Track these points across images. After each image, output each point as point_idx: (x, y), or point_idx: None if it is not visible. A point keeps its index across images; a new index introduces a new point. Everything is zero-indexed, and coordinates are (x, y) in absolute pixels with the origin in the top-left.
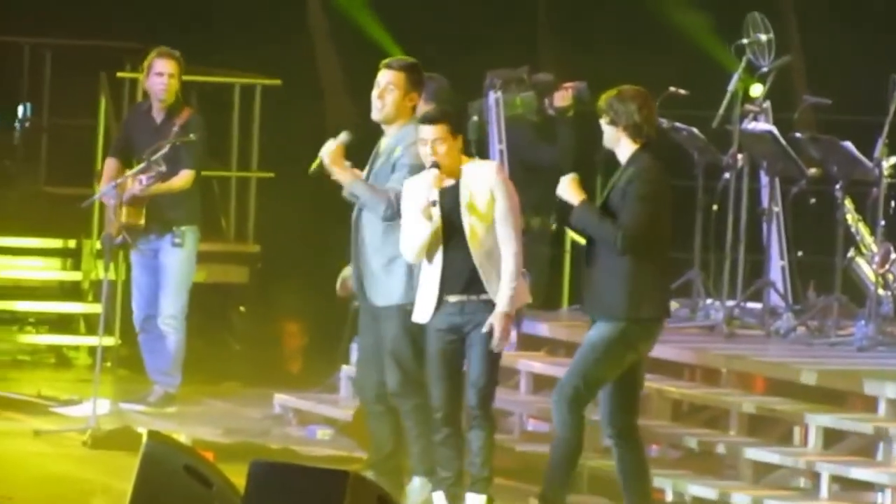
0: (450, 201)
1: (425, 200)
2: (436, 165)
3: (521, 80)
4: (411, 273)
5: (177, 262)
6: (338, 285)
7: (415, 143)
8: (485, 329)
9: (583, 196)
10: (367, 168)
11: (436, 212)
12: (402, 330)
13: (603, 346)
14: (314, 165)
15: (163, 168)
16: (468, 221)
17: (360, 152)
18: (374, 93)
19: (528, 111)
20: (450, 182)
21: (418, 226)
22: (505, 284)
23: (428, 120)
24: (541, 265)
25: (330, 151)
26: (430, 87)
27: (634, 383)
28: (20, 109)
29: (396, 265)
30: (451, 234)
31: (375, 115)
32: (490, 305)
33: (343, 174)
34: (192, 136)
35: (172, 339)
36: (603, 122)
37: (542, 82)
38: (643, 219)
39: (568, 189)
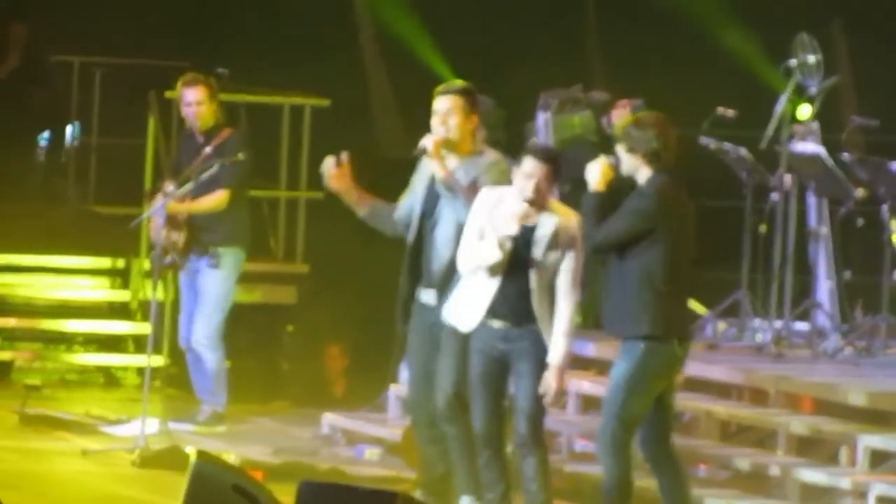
0: (524, 238)
1: (503, 233)
2: (531, 202)
3: (576, 99)
4: None
5: (212, 284)
6: (328, 168)
7: (493, 166)
8: (541, 391)
9: (601, 188)
10: (424, 198)
11: (507, 245)
12: (462, 352)
13: (626, 382)
14: (417, 149)
15: (188, 189)
16: (535, 266)
17: (404, 172)
18: (435, 120)
19: (586, 131)
20: (532, 220)
21: (485, 248)
22: (559, 339)
23: (540, 157)
24: (595, 285)
25: (436, 140)
26: None
27: (663, 408)
28: (69, 128)
29: None
30: (513, 265)
31: (431, 142)
32: (533, 333)
33: (443, 164)
34: (240, 155)
35: (209, 358)
36: (620, 149)
37: (598, 101)
38: (618, 230)
39: (596, 172)
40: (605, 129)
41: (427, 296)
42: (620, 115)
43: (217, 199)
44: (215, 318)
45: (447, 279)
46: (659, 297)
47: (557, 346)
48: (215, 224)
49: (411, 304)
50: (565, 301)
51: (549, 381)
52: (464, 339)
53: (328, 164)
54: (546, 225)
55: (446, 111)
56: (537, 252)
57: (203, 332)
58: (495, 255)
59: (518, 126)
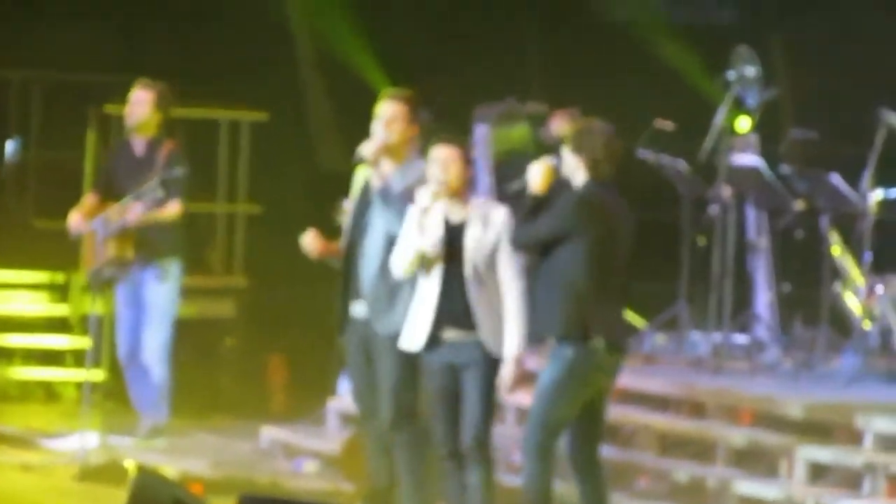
0: (455, 235)
1: (419, 210)
2: (444, 184)
3: (512, 112)
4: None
5: (160, 295)
6: (308, 245)
7: (421, 180)
8: (498, 382)
9: (541, 190)
10: (355, 208)
11: (433, 236)
12: (400, 361)
13: (554, 388)
14: (355, 157)
15: (160, 195)
16: (471, 259)
17: (340, 186)
18: (378, 124)
19: (523, 143)
20: (458, 215)
21: (411, 241)
22: (514, 328)
23: (445, 141)
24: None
25: (375, 148)
26: None
27: (593, 415)
28: (9, 143)
29: (401, 293)
30: (451, 267)
31: (373, 147)
32: (477, 340)
33: (380, 172)
34: (177, 170)
35: (158, 371)
36: (566, 149)
37: (535, 113)
38: (538, 230)
39: (537, 174)
40: (543, 141)
41: (357, 309)
42: (559, 126)
43: (176, 210)
44: (165, 331)
45: (375, 289)
46: (580, 301)
47: (511, 334)
48: (162, 236)
49: (346, 316)
50: (511, 292)
51: (506, 371)
52: (406, 356)
53: (307, 241)
54: (471, 218)
55: (391, 116)
56: (469, 248)
57: (154, 345)
58: (416, 242)
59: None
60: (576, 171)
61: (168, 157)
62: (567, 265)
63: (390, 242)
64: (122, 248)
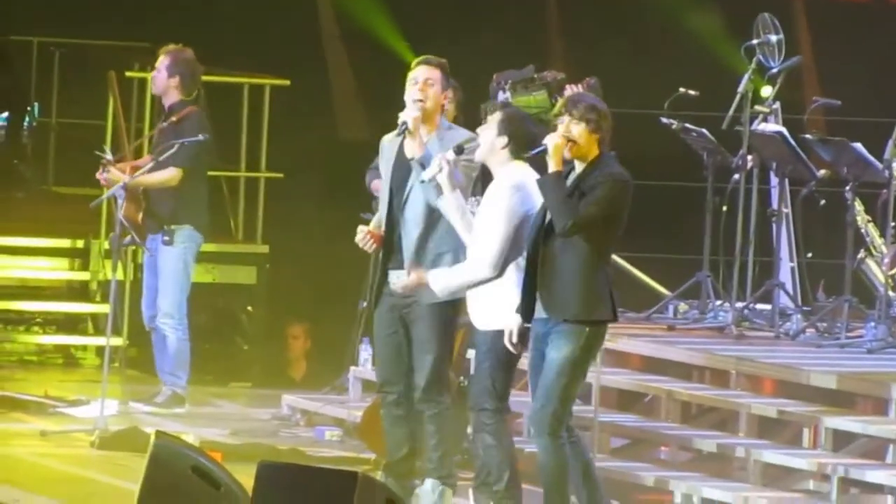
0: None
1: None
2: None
3: (530, 79)
4: None
5: (168, 261)
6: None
7: (471, 139)
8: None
9: (560, 168)
10: (392, 177)
11: None
12: (442, 331)
13: (570, 365)
14: (399, 126)
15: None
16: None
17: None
18: (414, 88)
19: (542, 110)
20: None
21: None
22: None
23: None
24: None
25: (415, 116)
26: None
27: None
28: (28, 109)
29: (443, 261)
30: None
31: (415, 112)
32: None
33: (420, 140)
34: (201, 136)
35: (171, 338)
36: (577, 124)
37: (552, 80)
38: (594, 216)
39: (553, 150)
40: None
41: (396, 277)
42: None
43: (167, 176)
44: (175, 296)
45: (417, 257)
46: (608, 281)
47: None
48: (168, 202)
49: (382, 286)
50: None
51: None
52: (447, 328)
53: (361, 237)
54: None
55: (426, 80)
56: None
57: (164, 311)
58: None
59: (474, 107)
60: (589, 149)
61: (179, 119)
62: (600, 247)
63: (431, 210)
64: (133, 213)
